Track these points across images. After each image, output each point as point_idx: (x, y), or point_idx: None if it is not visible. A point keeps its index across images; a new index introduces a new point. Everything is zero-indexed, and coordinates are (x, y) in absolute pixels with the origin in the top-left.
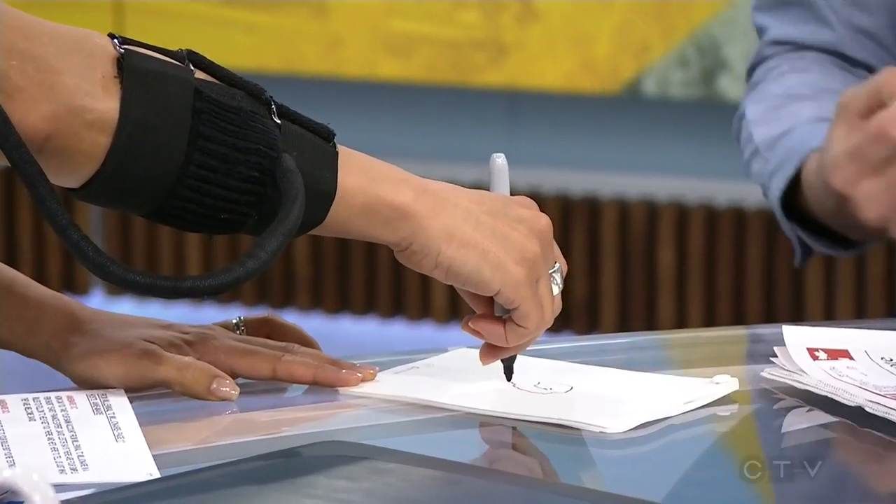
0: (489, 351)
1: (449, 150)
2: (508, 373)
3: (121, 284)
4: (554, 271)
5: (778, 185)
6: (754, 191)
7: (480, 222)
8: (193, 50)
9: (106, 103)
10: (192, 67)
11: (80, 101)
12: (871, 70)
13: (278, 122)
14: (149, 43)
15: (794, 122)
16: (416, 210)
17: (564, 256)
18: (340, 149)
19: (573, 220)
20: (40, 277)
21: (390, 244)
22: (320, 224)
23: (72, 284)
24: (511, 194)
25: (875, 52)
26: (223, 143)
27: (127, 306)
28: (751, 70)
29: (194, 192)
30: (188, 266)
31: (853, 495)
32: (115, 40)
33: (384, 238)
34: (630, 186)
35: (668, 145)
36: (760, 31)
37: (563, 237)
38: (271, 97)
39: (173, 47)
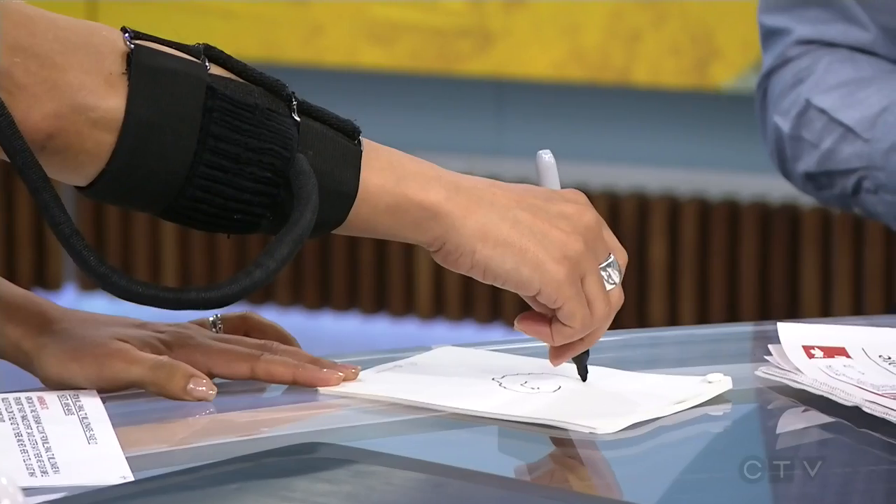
0: (556, 352)
1: (434, 141)
2: (582, 372)
3: (123, 296)
4: (607, 265)
5: None
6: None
7: (518, 220)
8: (211, 45)
9: (111, 101)
10: (208, 63)
11: (83, 99)
12: None
13: (297, 119)
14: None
15: (885, 101)
16: (447, 209)
17: None
18: (367, 145)
19: None
20: (10, 272)
21: (422, 244)
22: (342, 225)
23: (43, 279)
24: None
25: None
26: (235, 142)
27: (100, 303)
28: (769, 73)
29: (205, 192)
30: (163, 261)
31: (850, 499)
32: (127, 35)
33: (415, 238)
34: (620, 178)
35: (660, 136)
36: (776, 33)
37: None
38: (293, 93)
39: (147, 32)
